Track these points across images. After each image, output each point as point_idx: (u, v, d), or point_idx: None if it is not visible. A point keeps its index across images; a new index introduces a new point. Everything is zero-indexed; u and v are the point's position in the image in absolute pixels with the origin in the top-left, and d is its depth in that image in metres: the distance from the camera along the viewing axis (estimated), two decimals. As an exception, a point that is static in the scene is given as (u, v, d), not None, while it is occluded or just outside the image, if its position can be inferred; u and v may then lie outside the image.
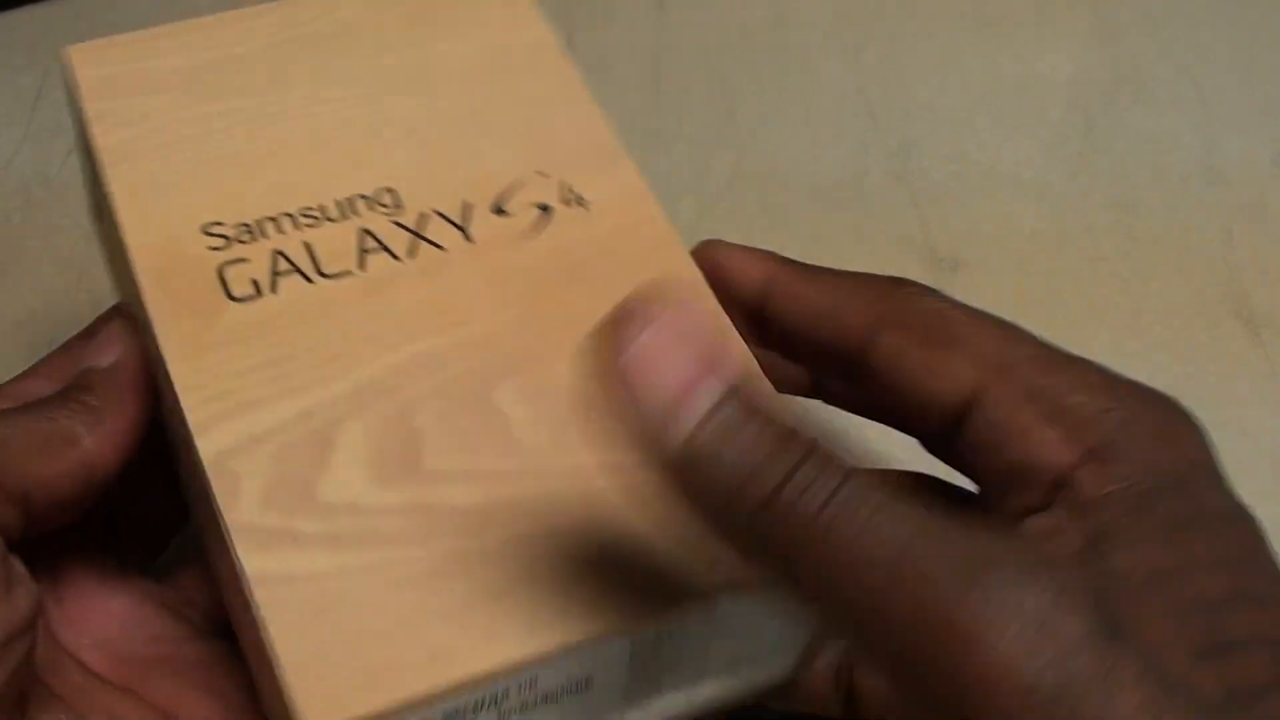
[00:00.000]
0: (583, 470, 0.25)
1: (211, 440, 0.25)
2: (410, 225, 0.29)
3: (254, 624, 0.23)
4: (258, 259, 0.28)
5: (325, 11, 0.32)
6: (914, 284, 0.28)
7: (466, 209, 0.29)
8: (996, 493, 0.25)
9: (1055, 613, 0.20)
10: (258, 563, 0.23)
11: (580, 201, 0.29)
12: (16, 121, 0.47)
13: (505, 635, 0.23)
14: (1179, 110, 0.48)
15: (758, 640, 0.27)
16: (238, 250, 0.28)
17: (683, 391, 0.21)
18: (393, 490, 0.25)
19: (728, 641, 0.26)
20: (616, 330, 0.21)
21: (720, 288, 0.29)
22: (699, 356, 0.21)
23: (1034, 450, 0.24)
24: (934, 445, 0.27)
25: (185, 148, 0.29)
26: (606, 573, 0.24)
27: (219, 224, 0.28)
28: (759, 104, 0.48)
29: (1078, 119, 0.48)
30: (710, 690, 0.27)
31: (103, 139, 0.29)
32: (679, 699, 0.27)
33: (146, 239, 0.28)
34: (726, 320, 0.28)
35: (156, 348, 0.27)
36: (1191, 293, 0.43)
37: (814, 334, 0.28)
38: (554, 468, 0.25)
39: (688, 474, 0.21)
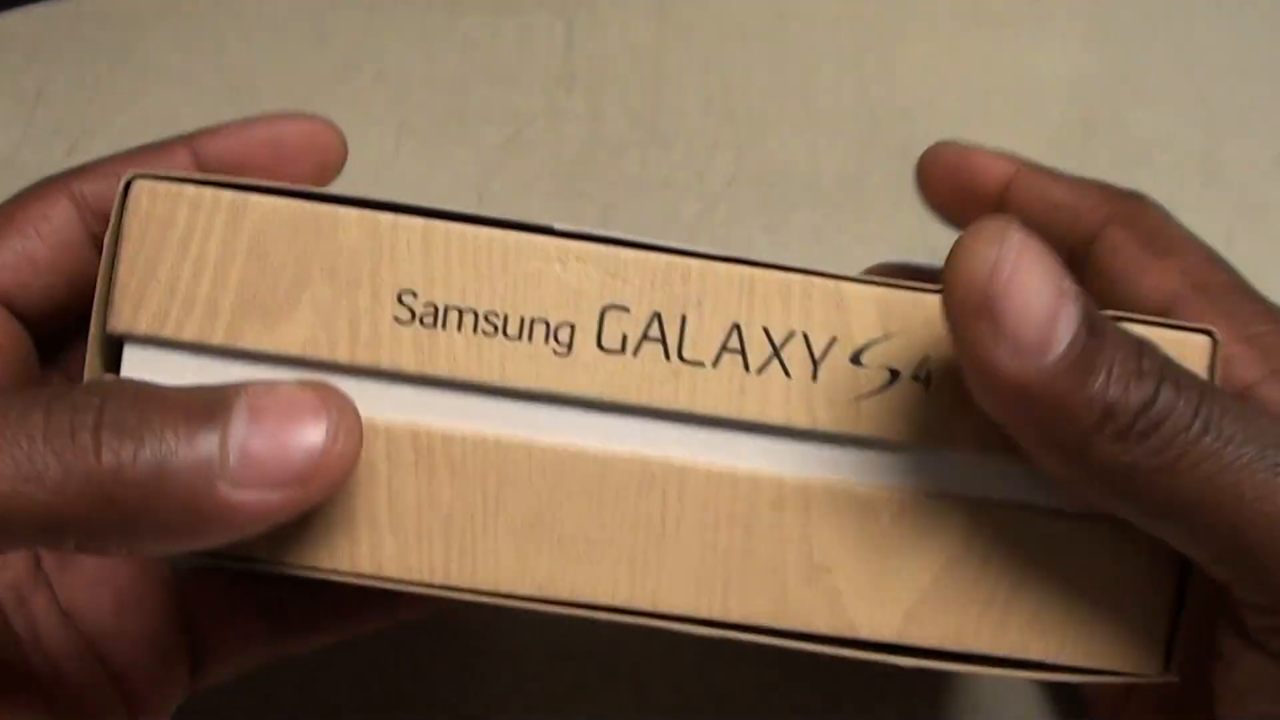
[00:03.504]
0: None
1: None
2: None
3: None
4: None
5: None
6: (1147, 197, 0.30)
7: None
8: None
9: None
10: None
11: None
12: (16, 121, 0.47)
13: None
14: (1179, 110, 0.48)
15: None
16: None
17: (1050, 317, 0.21)
18: None
19: None
20: (983, 252, 0.21)
21: (962, 180, 0.30)
22: (1057, 283, 0.22)
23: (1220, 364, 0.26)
24: None
25: None
26: None
27: None
28: (759, 104, 0.48)
29: (1078, 119, 0.48)
30: None
31: None
32: None
33: None
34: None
35: None
36: (1191, 293, 0.43)
37: (1049, 226, 0.30)
38: None
39: (1050, 400, 0.22)
